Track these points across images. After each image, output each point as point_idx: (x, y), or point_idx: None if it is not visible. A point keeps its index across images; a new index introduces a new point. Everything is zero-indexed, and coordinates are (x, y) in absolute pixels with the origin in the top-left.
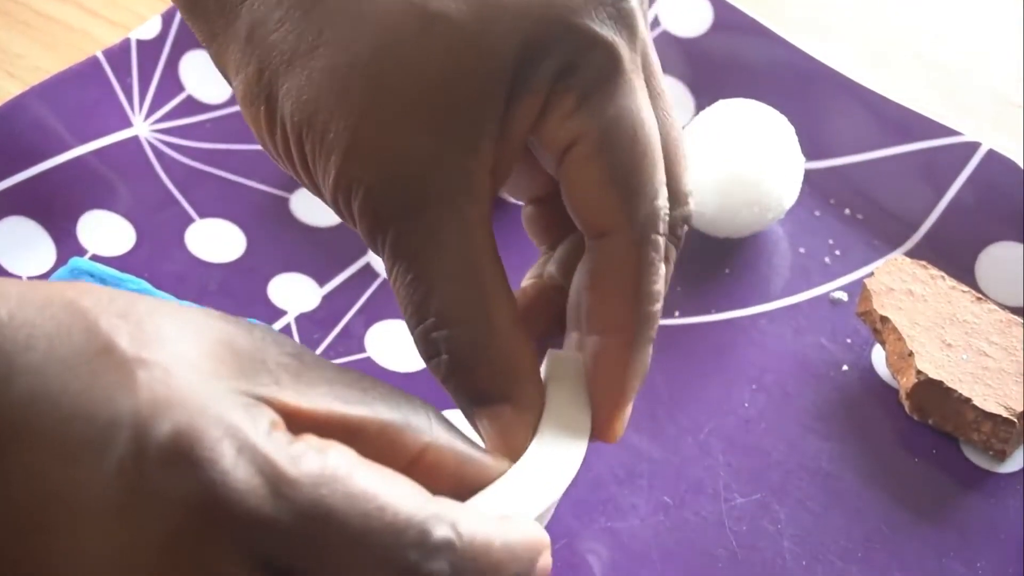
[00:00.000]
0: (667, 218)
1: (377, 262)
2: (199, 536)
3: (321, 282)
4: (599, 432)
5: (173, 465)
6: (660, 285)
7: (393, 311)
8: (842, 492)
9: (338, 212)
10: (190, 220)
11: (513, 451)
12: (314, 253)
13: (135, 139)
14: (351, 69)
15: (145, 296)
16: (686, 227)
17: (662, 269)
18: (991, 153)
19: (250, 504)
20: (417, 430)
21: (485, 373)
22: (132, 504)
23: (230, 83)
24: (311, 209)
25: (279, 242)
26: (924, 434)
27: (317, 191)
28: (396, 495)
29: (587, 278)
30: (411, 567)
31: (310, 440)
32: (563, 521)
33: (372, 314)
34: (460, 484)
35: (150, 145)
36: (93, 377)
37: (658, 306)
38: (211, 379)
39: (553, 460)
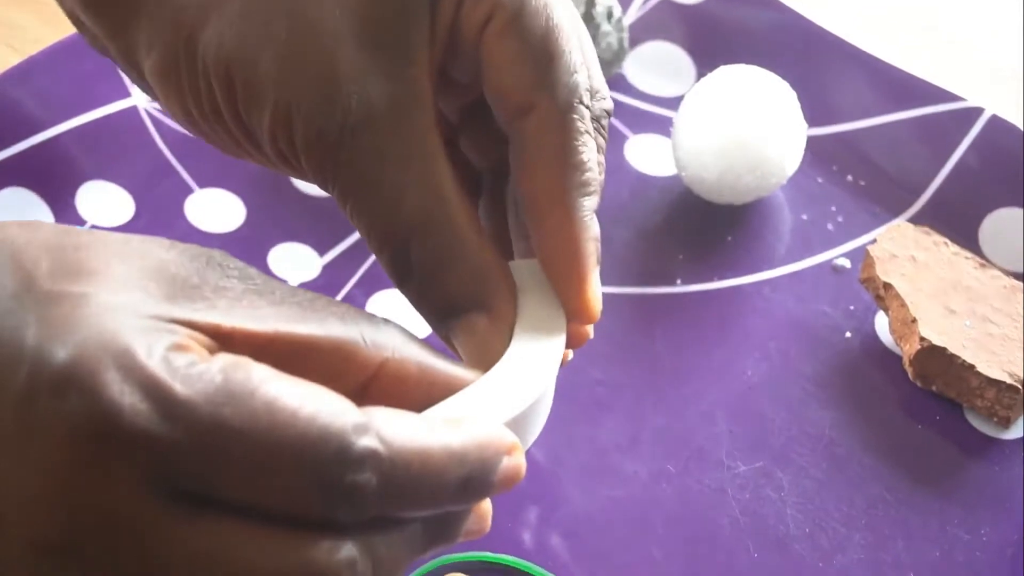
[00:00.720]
0: (589, 92)
1: None
2: (93, 464)
3: (321, 252)
4: (576, 315)
5: (62, 394)
6: (592, 156)
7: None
8: (845, 459)
9: (280, 158)
10: (189, 190)
11: (491, 363)
12: (314, 223)
13: (133, 109)
14: (269, 3)
15: (90, 231)
16: (608, 119)
17: (591, 141)
18: (994, 118)
19: (139, 428)
20: (376, 345)
21: (457, 281)
22: (26, 435)
23: (138, 73)
24: None
25: (279, 212)
26: (927, 401)
27: (254, 147)
28: (312, 408)
29: (516, 168)
30: (331, 481)
31: (219, 359)
32: (564, 487)
33: (372, 284)
34: (428, 397)
35: (148, 115)
36: (7, 315)
37: (593, 175)
38: (124, 307)
39: (527, 365)
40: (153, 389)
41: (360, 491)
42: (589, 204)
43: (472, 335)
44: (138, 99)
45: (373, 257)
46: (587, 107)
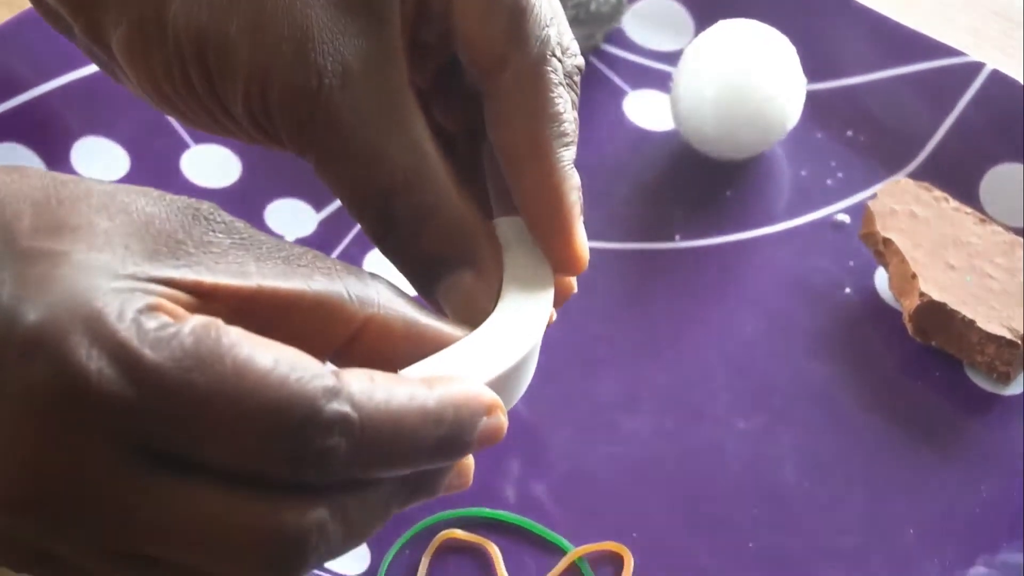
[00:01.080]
0: (560, 47)
1: None
2: (60, 427)
3: (318, 207)
4: (563, 266)
5: (31, 357)
6: (568, 108)
7: None
8: (844, 416)
9: (255, 126)
10: (185, 146)
11: (478, 321)
12: (311, 178)
13: None
14: None
15: (77, 180)
16: (579, 75)
17: (566, 94)
18: (995, 73)
19: (105, 392)
20: (361, 301)
21: (442, 237)
22: None
23: (105, 51)
24: None
25: (275, 167)
26: (927, 357)
27: (228, 118)
28: (282, 372)
29: (493, 124)
30: (300, 447)
31: (191, 321)
32: (562, 443)
33: (367, 241)
34: (414, 355)
35: None
36: None
37: (570, 126)
38: (101, 267)
39: (515, 322)
40: (121, 354)
41: (329, 456)
42: (568, 155)
43: (458, 292)
44: None
45: None
46: (560, 60)
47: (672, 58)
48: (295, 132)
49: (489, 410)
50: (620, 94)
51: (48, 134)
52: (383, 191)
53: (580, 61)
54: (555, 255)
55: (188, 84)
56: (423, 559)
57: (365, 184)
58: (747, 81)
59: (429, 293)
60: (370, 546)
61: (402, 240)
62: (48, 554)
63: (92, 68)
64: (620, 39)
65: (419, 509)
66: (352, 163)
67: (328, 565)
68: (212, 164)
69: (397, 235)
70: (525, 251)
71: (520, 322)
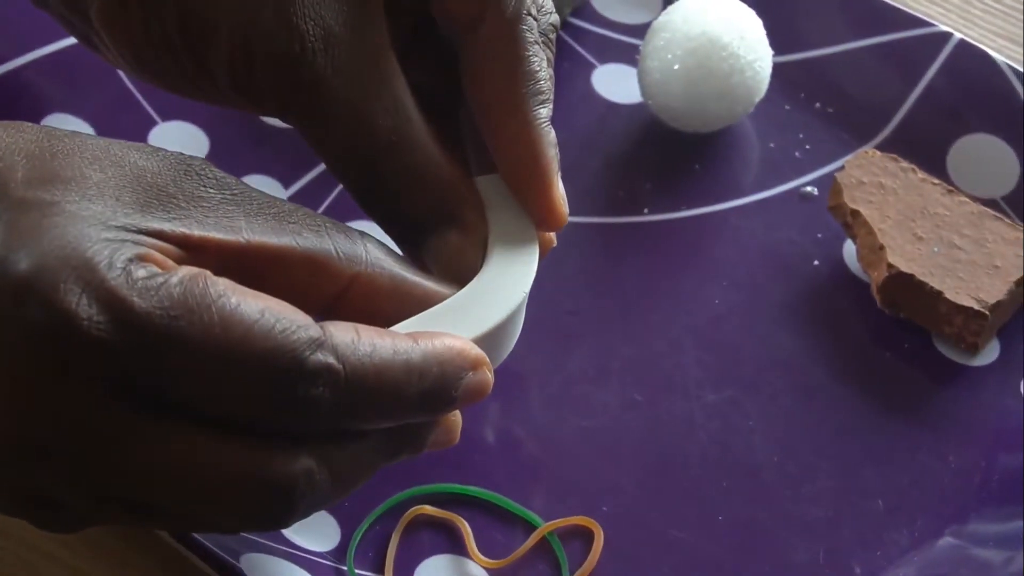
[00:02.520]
0: (535, 5)
1: None
2: (51, 371)
3: (286, 184)
4: (543, 222)
5: (22, 302)
6: (543, 65)
7: (359, 212)
8: (813, 388)
9: (237, 90)
10: (153, 123)
11: (466, 279)
12: (278, 154)
13: None
14: None
15: (72, 134)
16: (555, 33)
17: (542, 52)
18: (962, 43)
19: (94, 338)
20: (349, 259)
21: (427, 197)
22: None
23: (83, 19)
24: None
25: (242, 143)
26: (896, 328)
27: (209, 82)
28: (267, 323)
29: (469, 82)
30: (284, 395)
31: (180, 272)
32: (532, 418)
33: (338, 215)
34: (401, 312)
35: None
36: None
37: (546, 84)
38: (93, 217)
39: (502, 279)
40: (110, 301)
41: (313, 405)
42: (544, 112)
43: (445, 251)
44: None
45: (338, 189)
46: (535, 19)
47: (640, 31)
48: (278, 95)
49: (475, 365)
50: (588, 68)
51: (16, 111)
52: (368, 153)
53: (556, 19)
54: (535, 211)
55: (169, 48)
56: (393, 535)
57: (350, 146)
58: (715, 54)
59: (416, 253)
60: (340, 522)
61: (387, 201)
62: (39, 497)
63: (57, 45)
64: (588, 13)
65: (389, 485)
66: (336, 126)
67: (298, 541)
68: (180, 140)
69: (382, 196)
70: (507, 209)
71: (507, 279)
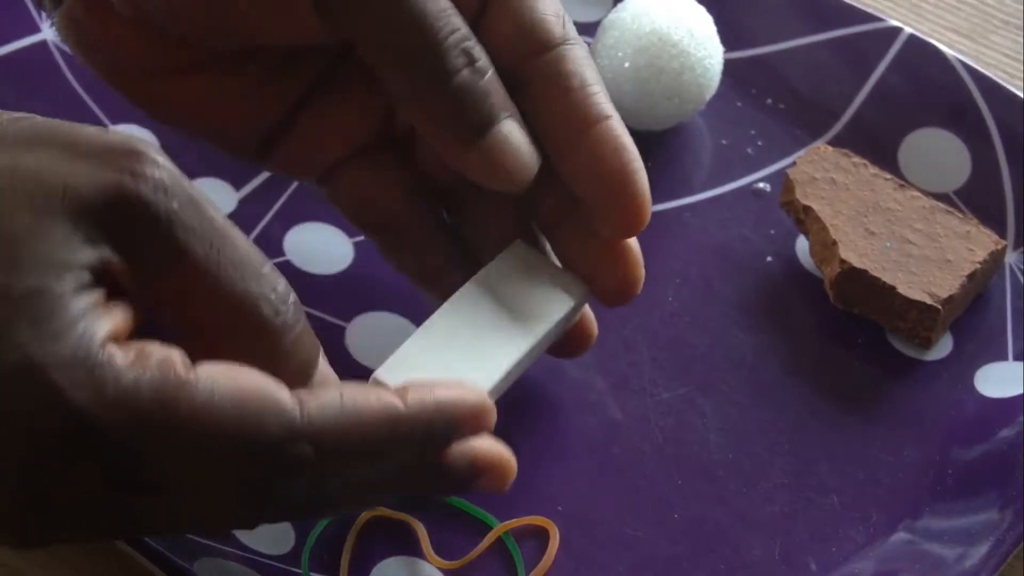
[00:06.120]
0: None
1: None
2: (57, 456)
3: (237, 185)
4: (630, 215)
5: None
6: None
7: (312, 214)
8: (768, 384)
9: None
10: (103, 127)
11: (526, 168)
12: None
13: (43, 44)
14: None
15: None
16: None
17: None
18: (912, 38)
19: (71, 453)
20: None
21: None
22: None
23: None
24: None
25: (192, 145)
26: (849, 324)
27: (222, 27)
28: (241, 418)
29: (537, 105)
30: (263, 489)
31: (148, 373)
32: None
33: (290, 217)
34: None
35: (58, 50)
36: None
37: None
38: (41, 302)
39: (505, 327)
40: (80, 418)
41: (292, 493)
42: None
43: (510, 141)
44: (47, 33)
45: (291, 189)
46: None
47: (590, 29)
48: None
49: (477, 418)
50: None
51: None
52: (462, 31)
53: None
54: (623, 205)
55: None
56: (348, 537)
57: (448, 18)
58: (664, 51)
59: (471, 147)
60: (294, 525)
61: (481, 73)
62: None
63: (4, 50)
64: None
65: None
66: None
67: (252, 545)
68: None
69: (475, 68)
70: (545, 269)
71: (512, 331)
